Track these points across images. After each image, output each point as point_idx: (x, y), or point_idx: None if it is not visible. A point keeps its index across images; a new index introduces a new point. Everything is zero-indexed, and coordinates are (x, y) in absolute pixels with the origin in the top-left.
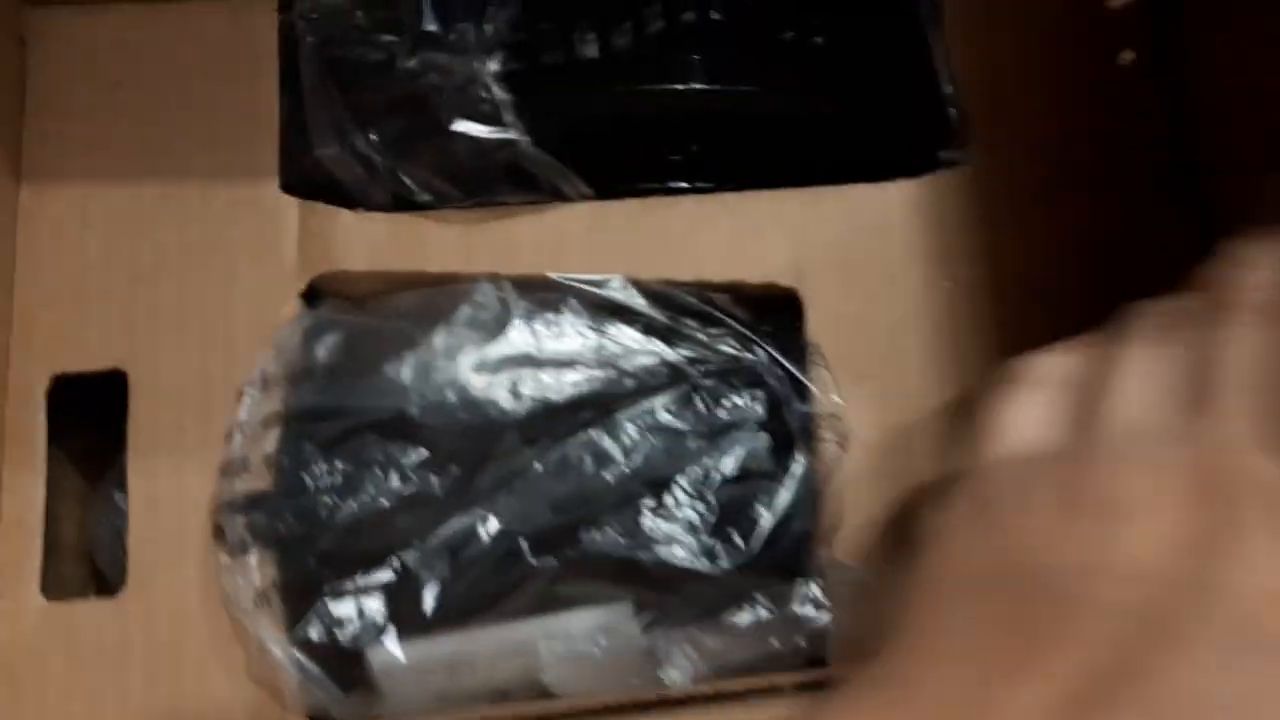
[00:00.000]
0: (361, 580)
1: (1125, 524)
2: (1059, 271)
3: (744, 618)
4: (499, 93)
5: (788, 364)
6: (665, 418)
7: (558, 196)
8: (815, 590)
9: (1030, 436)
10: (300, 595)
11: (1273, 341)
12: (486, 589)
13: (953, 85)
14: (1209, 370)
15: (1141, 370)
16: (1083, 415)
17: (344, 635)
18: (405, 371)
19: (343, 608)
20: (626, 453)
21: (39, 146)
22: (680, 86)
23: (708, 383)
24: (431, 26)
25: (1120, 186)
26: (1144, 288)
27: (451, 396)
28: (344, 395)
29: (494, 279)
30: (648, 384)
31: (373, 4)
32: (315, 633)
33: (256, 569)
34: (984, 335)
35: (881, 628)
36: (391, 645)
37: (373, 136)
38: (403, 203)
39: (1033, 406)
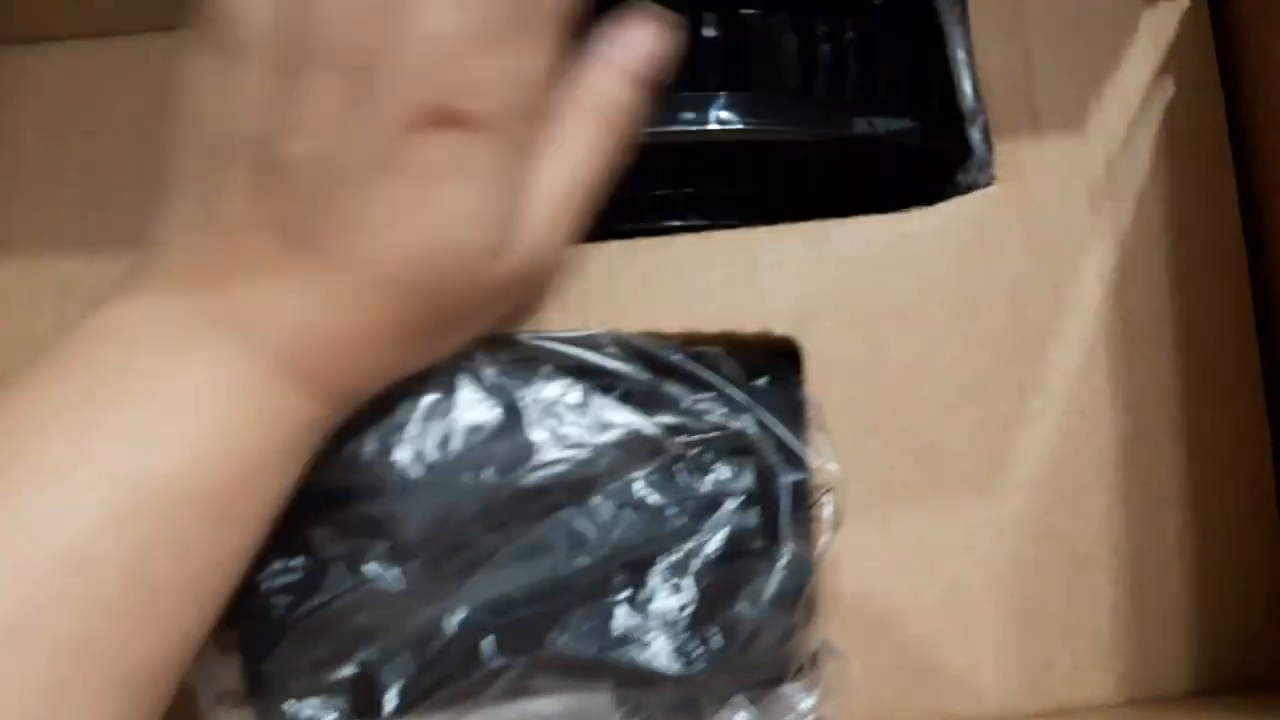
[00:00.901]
0: (323, 680)
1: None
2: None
3: (725, 716)
4: None
5: (781, 428)
6: (643, 493)
7: None
8: (800, 692)
9: None
10: (260, 699)
11: None
12: (453, 685)
13: (977, 97)
14: None
15: None
16: None
17: None
18: (364, 453)
19: (304, 710)
20: (602, 533)
21: None
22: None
23: (691, 453)
24: None
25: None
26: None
27: (414, 480)
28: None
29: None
30: (625, 458)
31: None
32: None
33: (214, 671)
34: (1007, 381)
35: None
36: None
37: None
38: None
39: None
